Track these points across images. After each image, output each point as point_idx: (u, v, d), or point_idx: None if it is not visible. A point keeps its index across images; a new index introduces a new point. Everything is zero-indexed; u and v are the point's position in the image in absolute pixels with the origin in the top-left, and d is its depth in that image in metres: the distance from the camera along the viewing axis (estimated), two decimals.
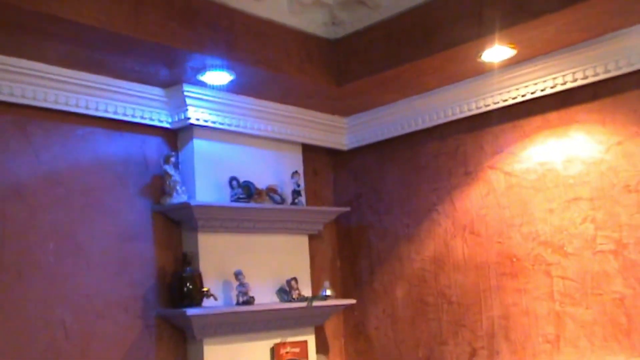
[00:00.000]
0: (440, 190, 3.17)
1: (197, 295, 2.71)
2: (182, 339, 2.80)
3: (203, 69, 2.56)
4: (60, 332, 2.43)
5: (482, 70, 2.77)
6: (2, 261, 2.33)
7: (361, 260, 3.49)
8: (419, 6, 2.64)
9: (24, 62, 2.38)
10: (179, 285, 2.72)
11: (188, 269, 2.75)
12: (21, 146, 2.44)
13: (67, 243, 2.51)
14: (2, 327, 2.29)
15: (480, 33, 2.45)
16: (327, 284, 3.23)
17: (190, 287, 2.71)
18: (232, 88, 2.79)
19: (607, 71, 2.58)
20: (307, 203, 3.37)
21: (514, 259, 2.89)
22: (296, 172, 3.20)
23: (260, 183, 3.10)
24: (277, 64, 2.67)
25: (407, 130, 3.25)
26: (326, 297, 3.17)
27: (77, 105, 2.56)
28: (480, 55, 2.59)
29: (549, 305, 2.74)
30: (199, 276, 2.76)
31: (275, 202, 3.12)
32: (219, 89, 2.77)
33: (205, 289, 2.74)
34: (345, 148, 3.50)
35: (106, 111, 2.65)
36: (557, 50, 2.61)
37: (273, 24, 2.66)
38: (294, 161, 3.30)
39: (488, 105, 2.94)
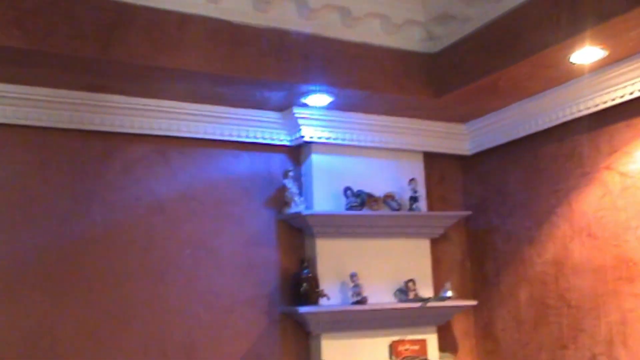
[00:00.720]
0: (559, 192, 3.12)
1: (312, 295, 3.04)
2: (304, 334, 3.14)
3: (305, 93, 2.88)
4: (195, 324, 2.92)
5: (581, 73, 2.70)
6: (148, 265, 2.87)
7: (488, 262, 3.54)
8: (506, 14, 2.67)
9: (161, 102, 2.91)
10: (297, 285, 3.07)
11: (305, 271, 3.08)
12: (162, 169, 2.98)
13: (201, 249, 3.00)
14: (149, 319, 2.83)
15: (568, 34, 2.43)
16: (448, 285, 3.35)
17: (307, 287, 3.05)
18: (338, 106, 3.06)
19: None
20: (434, 208, 3.53)
21: (631, 263, 2.77)
22: (413, 179, 3.37)
23: (378, 191, 3.32)
24: (373, 83, 2.89)
25: (526, 132, 3.24)
26: (446, 298, 3.29)
27: (206, 132, 3.04)
28: (569, 58, 2.55)
29: None
30: (315, 278, 3.09)
31: (392, 208, 3.32)
32: (327, 108, 3.06)
33: (318, 290, 3.05)
34: (468, 153, 3.58)
35: (231, 135, 3.09)
36: None
37: (367, 46, 2.88)
38: (414, 169, 3.46)
39: (597, 105, 2.84)
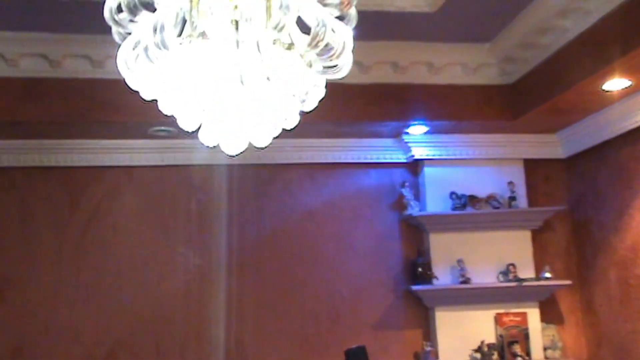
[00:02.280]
0: (633, 188, 3.67)
1: (426, 277, 3.99)
2: (423, 307, 4.10)
3: (407, 126, 3.83)
4: (338, 300, 4.04)
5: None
6: (303, 256, 4.05)
7: (586, 249, 4.15)
8: (554, 54, 3.36)
9: (308, 140, 4.04)
10: (415, 269, 4.04)
11: (420, 259, 4.04)
12: (310, 186, 4.14)
13: (342, 243, 4.11)
14: (306, 294, 4.01)
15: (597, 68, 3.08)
16: (547, 268, 4.06)
17: (421, 271, 4.01)
18: (437, 130, 3.95)
19: None
20: (538, 204, 4.23)
21: None
22: (511, 182, 4.12)
23: (482, 193, 4.14)
24: (459, 114, 3.75)
25: (605, 138, 3.82)
26: (543, 279, 4.01)
27: (341, 158, 4.13)
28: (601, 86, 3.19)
29: None
30: (428, 264, 4.02)
31: (493, 207, 4.11)
32: (427, 133, 3.97)
33: (430, 273, 3.99)
34: (564, 156, 4.22)
35: (359, 158, 4.14)
36: None
37: (452, 86, 3.73)
38: (515, 173, 4.20)
39: None
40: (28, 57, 3.27)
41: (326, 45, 1.40)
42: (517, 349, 3.96)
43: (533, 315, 4.08)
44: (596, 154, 3.98)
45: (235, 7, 1.38)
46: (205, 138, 1.45)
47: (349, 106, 3.67)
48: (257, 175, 4.08)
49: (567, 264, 4.26)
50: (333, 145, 4.11)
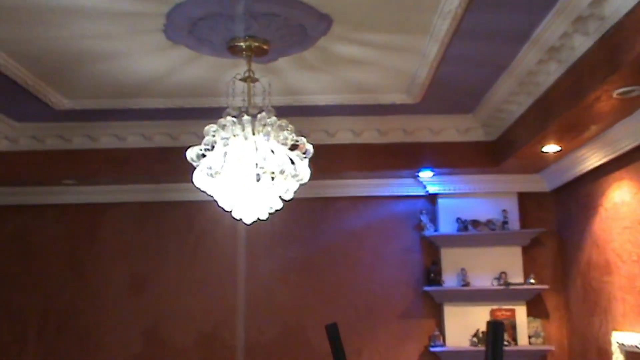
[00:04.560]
0: (588, 218, 4.91)
1: (436, 281, 5.41)
2: (436, 303, 5.52)
3: (416, 172, 5.29)
4: (373, 296, 5.54)
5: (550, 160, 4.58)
6: (348, 263, 5.59)
7: (565, 261, 5.39)
8: (513, 123, 4.68)
9: (351, 181, 5.60)
10: (428, 275, 5.48)
11: (433, 267, 5.48)
12: (354, 213, 5.67)
13: (376, 255, 5.61)
14: (348, 292, 5.55)
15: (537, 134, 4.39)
16: (532, 275, 5.34)
17: (433, 276, 5.44)
18: (443, 173, 5.36)
19: None
20: (531, 226, 5.51)
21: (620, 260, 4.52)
22: (505, 210, 5.45)
23: (483, 218, 5.50)
24: (455, 163, 5.14)
25: (573, 177, 5.06)
26: (527, 284, 5.30)
27: (375, 192, 5.64)
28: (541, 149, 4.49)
29: None
30: (439, 271, 5.44)
31: (490, 229, 5.45)
32: (436, 174, 5.39)
33: (439, 278, 5.41)
34: (548, 190, 5.48)
35: (388, 192, 5.64)
36: None
37: (449, 143, 5.13)
38: (510, 203, 5.51)
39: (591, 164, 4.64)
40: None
41: (294, 175, 2.99)
42: (506, 335, 5.29)
43: (520, 311, 5.38)
44: (570, 188, 5.22)
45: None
46: (236, 213, 3.09)
47: (374, 159, 5.19)
48: (315, 206, 5.69)
49: (554, 273, 5.52)
50: (370, 184, 5.63)
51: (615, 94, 3.25)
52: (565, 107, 3.67)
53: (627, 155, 4.11)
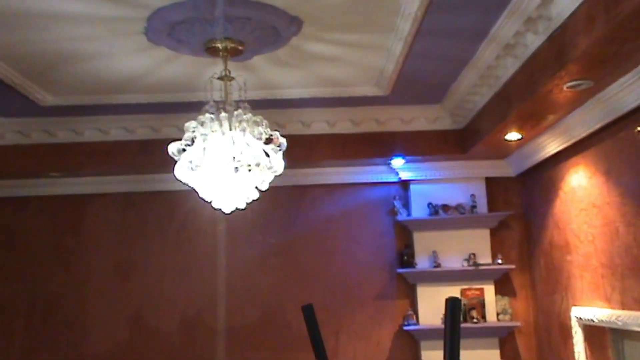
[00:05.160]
0: (548, 202, 5.21)
1: (409, 263, 5.69)
2: (409, 284, 5.80)
3: (390, 158, 5.55)
4: (349, 279, 5.81)
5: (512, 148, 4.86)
6: (325, 248, 5.85)
7: (530, 242, 5.70)
8: (480, 111, 4.94)
9: (327, 169, 5.84)
10: (402, 258, 5.76)
11: (405, 250, 5.75)
12: (329, 199, 5.93)
13: (352, 240, 5.87)
14: (326, 273, 5.81)
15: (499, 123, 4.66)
16: (499, 256, 5.64)
17: (406, 258, 5.71)
18: (414, 160, 5.63)
19: None
20: (498, 209, 5.80)
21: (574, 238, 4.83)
22: (473, 194, 5.73)
23: (453, 202, 5.78)
24: (425, 151, 5.40)
25: (532, 164, 5.35)
26: (495, 264, 5.60)
27: (350, 180, 5.90)
28: (504, 137, 4.77)
29: None
30: (412, 254, 5.72)
31: (460, 213, 5.73)
32: (407, 161, 5.65)
33: (412, 260, 5.69)
34: (513, 175, 5.78)
35: (364, 179, 5.89)
36: None
37: (418, 132, 5.38)
38: (477, 188, 5.79)
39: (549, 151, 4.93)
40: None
41: (269, 167, 3.21)
42: (475, 313, 5.60)
43: (489, 290, 5.69)
44: (533, 173, 5.51)
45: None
46: (215, 203, 3.32)
47: (348, 148, 5.43)
48: (292, 194, 5.93)
49: (520, 253, 5.83)
50: (344, 171, 5.88)
51: (565, 87, 3.52)
52: (522, 98, 3.94)
53: (582, 142, 4.40)
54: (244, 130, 3.11)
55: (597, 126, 4.06)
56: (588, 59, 3.09)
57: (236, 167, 3.11)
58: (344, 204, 5.94)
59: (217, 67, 3.51)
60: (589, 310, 4.48)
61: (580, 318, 4.62)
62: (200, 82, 3.95)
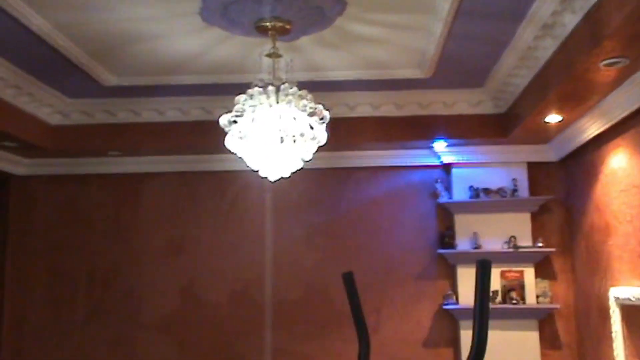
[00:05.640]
0: (590, 184, 5.27)
1: (450, 244, 5.84)
2: (450, 265, 5.95)
3: (432, 142, 5.71)
4: (391, 259, 5.98)
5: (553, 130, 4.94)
6: (369, 227, 6.04)
7: (571, 226, 5.77)
8: (520, 94, 5.05)
9: (373, 152, 6.04)
10: (443, 239, 5.91)
11: (446, 232, 5.90)
12: (374, 181, 6.12)
13: (395, 221, 6.06)
14: (368, 253, 6.01)
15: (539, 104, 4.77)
16: (540, 239, 5.73)
17: (447, 240, 5.86)
18: (456, 143, 5.76)
19: None
20: (540, 193, 5.89)
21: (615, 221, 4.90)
22: (515, 178, 5.84)
23: (494, 186, 5.89)
24: (467, 134, 5.54)
25: (577, 146, 5.41)
26: (536, 247, 5.70)
27: (394, 162, 6.07)
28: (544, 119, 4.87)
29: None
30: (453, 235, 5.87)
31: (501, 196, 5.84)
32: (449, 145, 5.79)
33: (453, 241, 5.83)
34: (555, 160, 5.85)
35: (407, 162, 6.06)
36: None
37: (462, 116, 5.53)
38: (519, 172, 5.89)
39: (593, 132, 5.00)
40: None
41: (312, 138, 3.44)
42: (514, 294, 5.71)
43: (529, 273, 5.78)
44: (575, 157, 5.58)
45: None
46: (262, 172, 3.57)
47: (392, 131, 5.62)
48: (337, 176, 6.15)
49: (561, 237, 5.89)
50: (388, 155, 6.06)
51: (602, 65, 3.62)
52: (560, 79, 4.05)
53: (621, 123, 4.47)
54: (289, 102, 3.34)
55: (636, 106, 4.14)
56: (622, 35, 3.20)
57: (282, 138, 3.33)
58: (387, 186, 6.12)
59: (266, 48, 3.76)
60: (626, 290, 4.55)
61: (618, 298, 4.69)
62: (250, 64, 4.24)
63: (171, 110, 5.58)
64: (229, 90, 4.96)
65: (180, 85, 5.04)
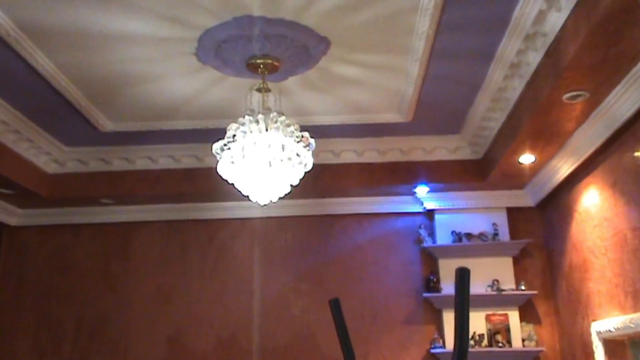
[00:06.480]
0: (566, 224, 5.49)
1: (435, 287, 5.97)
2: (436, 309, 6.05)
3: (414, 187, 5.95)
4: (377, 304, 6.09)
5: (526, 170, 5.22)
6: (354, 272, 6.17)
7: (552, 269, 5.94)
8: (494, 140, 5.34)
9: (356, 199, 6.26)
10: (428, 284, 6.04)
11: (431, 276, 6.04)
12: (358, 228, 6.29)
13: (380, 266, 6.20)
14: (356, 296, 6.11)
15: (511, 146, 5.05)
16: (522, 282, 5.88)
17: (432, 284, 5.99)
18: (437, 189, 6.01)
19: None
20: (520, 237, 6.09)
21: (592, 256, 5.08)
22: (495, 223, 6.05)
23: (476, 231, 6.09)
24: (446, 179, 5.80)
25: (549, 190, 5.66)
26: (519, 290, 5.83)
27: (379, 210, 6.28)
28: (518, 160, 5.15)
29: None
30: (438, 279, 6.01)
31: (482, 241, 6.04)
32: (431, 190, 6.03)
33: (438, 285, 5.96)
34: (533, 204, 6.09)
35: (391, 209, 6.27)
36: None
37: (441, 162, 5.81)
38: (499, 217, 6.11)
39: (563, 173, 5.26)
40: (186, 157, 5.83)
41: (300, 162, 3.67)
42: (500, 337, 5.80)
43: (513, 316, 5.89)
44: (550, 201, 5.83)
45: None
46: (252, 197, 3.77)
47: (375, 177, 5.87)
48: (323, 223, 6.34)
49: (543, 280, 6.05)
50: (372, 202, 6.28)
51: (564, 99, 3.92)
52: (529, 116, 4.35)
53: (590, 161, 4.74)
54: (277, 129, 3.58)
55: (600, 141, 4.42)
56: (579, 65, 3.50)
57: (270, 162, 3.56)
58: (373, 233, 6.30)
59: (256, 93, 4.04)
60: (607, 322, 4.67)
61: (600, 332, 4.81)
62: (240, 109, 4.50)
63: (163, 158, 5.81)
64: (220, 135, 5.25)
65: (173, 130, 5.29)
